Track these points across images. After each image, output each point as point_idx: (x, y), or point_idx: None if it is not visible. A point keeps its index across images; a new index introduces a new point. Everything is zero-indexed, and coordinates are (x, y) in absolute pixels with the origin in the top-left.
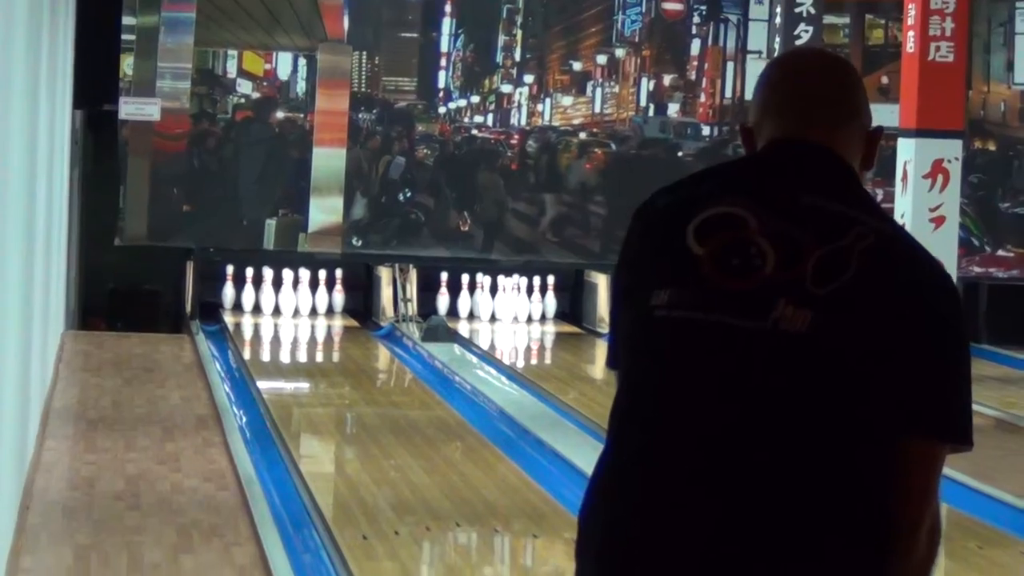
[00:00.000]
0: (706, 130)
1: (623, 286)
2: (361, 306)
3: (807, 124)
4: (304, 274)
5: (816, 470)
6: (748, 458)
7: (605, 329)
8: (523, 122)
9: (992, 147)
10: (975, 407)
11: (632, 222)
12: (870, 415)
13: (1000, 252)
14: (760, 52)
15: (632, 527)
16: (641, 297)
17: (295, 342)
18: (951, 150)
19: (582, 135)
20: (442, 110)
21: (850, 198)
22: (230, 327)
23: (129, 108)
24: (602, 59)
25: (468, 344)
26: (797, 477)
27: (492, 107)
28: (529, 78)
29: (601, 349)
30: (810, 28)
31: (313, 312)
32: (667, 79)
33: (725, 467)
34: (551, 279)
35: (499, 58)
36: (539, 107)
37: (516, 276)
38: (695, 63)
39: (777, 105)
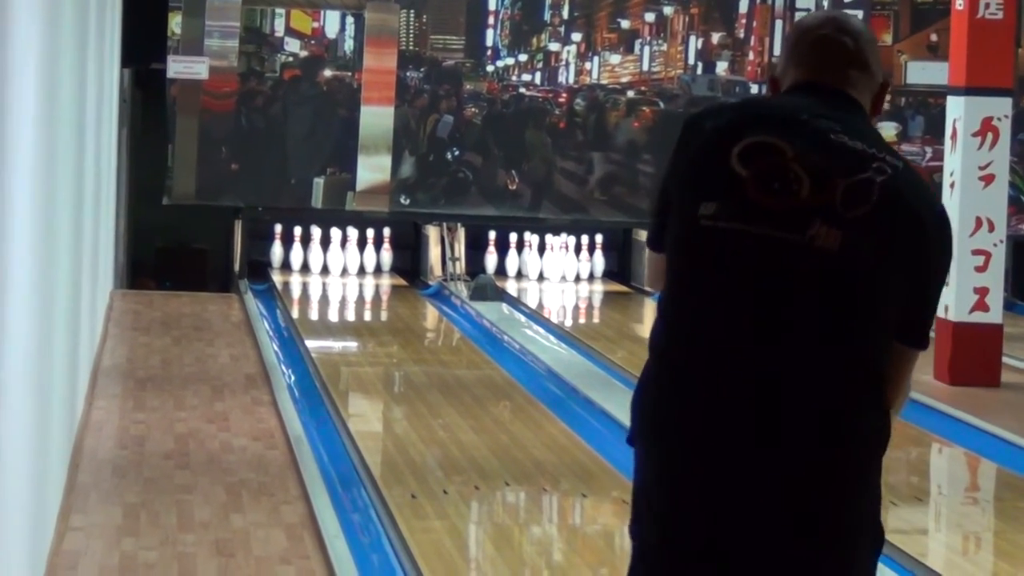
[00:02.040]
0: (754, 88)
1: (672, 193)
2: (409, 265)
3: (824, 70)
4: (352, 233)
5: (840, 357)
6: (788, 345)
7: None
8: (571, 80)
9: None
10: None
11: (682, 134)
12: (881, 318)
13: None
14: (809, 9)
15: (693, 418)
16: (689, 207)
17: (343, 301)
18: (1000, 108)
19: (630, 93)
20: (490, 68)
21: (868, 137)
22: (278, 286)
23: (177, 67)
24: (650, 17)
25: (516, 303)
26: (826, 361)
27: (540, 65)
28: (577, 36)
29: (650, 308)
30: None
31: (361, 271)
32: (715, 37)
33: (770, 353)
34: (599, 238)
35: (547, 16)
36: (587, 65)
37: (564, 235)
38: (744, 21)
39: (800, 55)
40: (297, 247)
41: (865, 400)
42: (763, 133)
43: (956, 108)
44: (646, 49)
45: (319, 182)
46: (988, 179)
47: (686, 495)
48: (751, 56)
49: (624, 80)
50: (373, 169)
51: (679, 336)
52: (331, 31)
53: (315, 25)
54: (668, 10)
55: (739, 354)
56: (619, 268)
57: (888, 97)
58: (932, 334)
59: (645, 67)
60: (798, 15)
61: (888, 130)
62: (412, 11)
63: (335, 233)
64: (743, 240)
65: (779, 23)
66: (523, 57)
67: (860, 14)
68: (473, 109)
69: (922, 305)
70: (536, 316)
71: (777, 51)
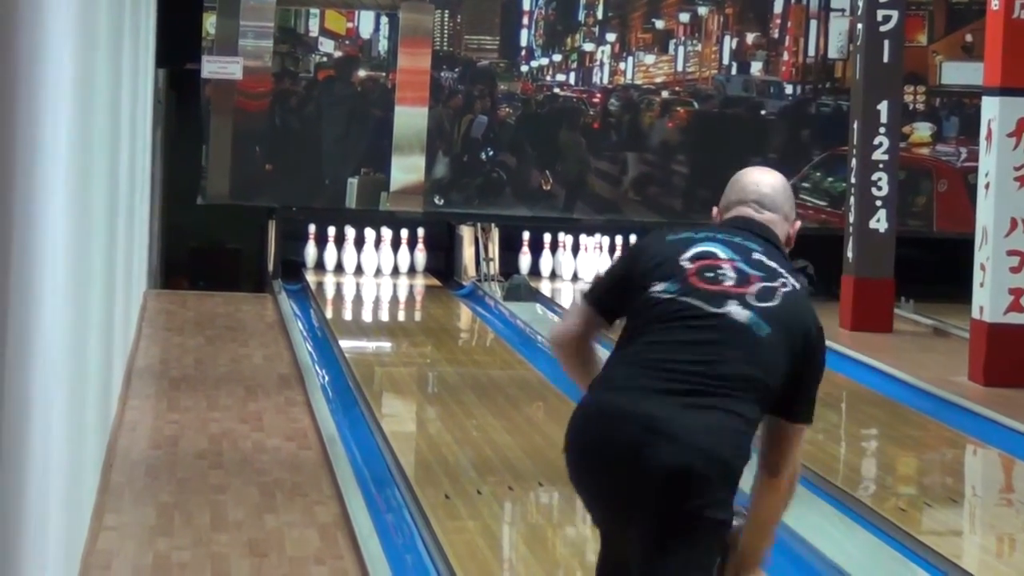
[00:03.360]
0: (789, 88)
1: (631, 275)
2: (443, 265)
3: (757, 211)
4: (386, 233)
5: (735, 402)
6: (698, 381)
7: None
8: (605, 80)
9: None
10: None
11: (646, 240)
12: (774, 388)
13: None
14: (843, 10)
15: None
16: (646, 286)
17: (377, 301)
18: None
19: (664, 93)
20: (524, 68)
21: (780, 260)
22: (312, 286)
23: (212, 67)
24: (685, 17)
25: (550, 303)
26: (722, 401)
27: (574, 65)
28: (611, 36)
29: None
30: None
31: (395, 271)
32: (750, 37)
33: (682, 387)
34: (633, 238)
35: (581, 16)
36: (621, 65)
37: (598, 235)
38: (778, 21)
39: (740, 199)
40: (331, 247)
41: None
42: (709, 245)
43: (991, 108)
44: (680, 49)
45: (353, 182)
46: (1023, 180)
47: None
48: (785, 56)
49: (658, 80)
50: (407, 169)
51: (618, 370)
52: (365, 31)
53: (349, 25)
54: (703, 10)
55: (672, 372)
56: None
57: (923, 98)
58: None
59: (679, 67)
60: (832, 15)
61: (923, 131)
62: (446, 11)
63: (369, 233)
64: (678, 306)
65: (814, 23)
66: (557, 57)
67: (895, 15)
68: (507, 109)
69: (805, 390)
70: None
71: (811, 52)
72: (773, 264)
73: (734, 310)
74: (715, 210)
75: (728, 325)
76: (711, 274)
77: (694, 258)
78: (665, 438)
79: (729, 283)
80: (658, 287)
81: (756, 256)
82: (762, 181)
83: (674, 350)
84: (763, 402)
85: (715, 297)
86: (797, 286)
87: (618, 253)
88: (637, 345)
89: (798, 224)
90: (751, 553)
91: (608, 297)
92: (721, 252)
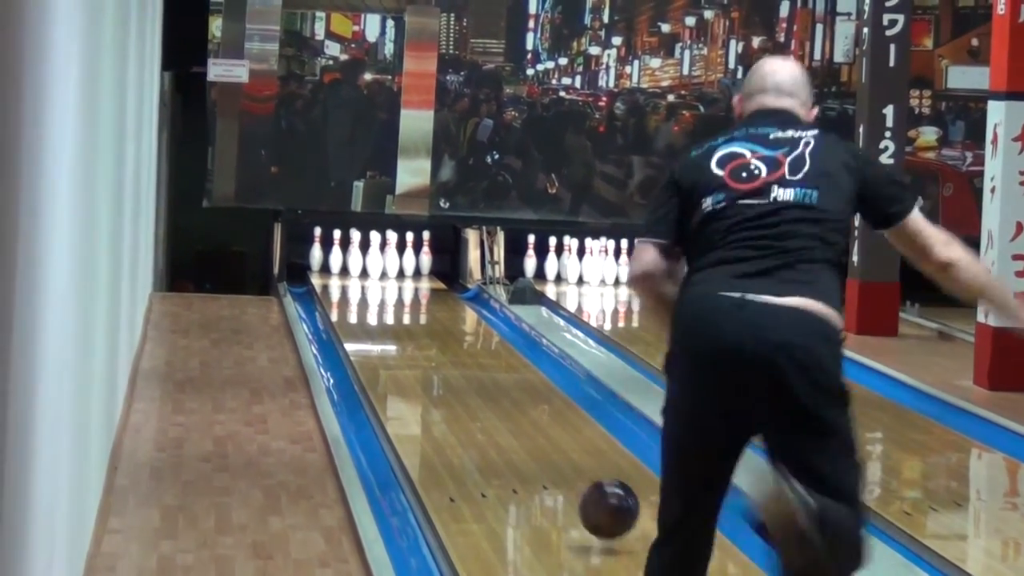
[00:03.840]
0: None
1: (679, 198)
2: (448, 268)
3: (775, 99)
4: (391, 236)
5: (807, 260)
6: (778, 268)
7: None
8: (611, 84)
9: None
10: None
11: (677, 166)
12: (842, 233)
13: None
14: (849, 14)
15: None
16: (696, 205)
17: (382, 304)
18: None
19: (670, 97)
20: (530, 72)
21: (795, 125)
22: (317, 289)
23: (217, 70)
24: (691, 21)
25: (555, 307)
26: (808, 276)
27: (580, 69)
28: (617, 40)
29: None
30: None
31: (400, 274)
32: (756, 41)
33: (760, 266)
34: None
35: (587, 20)
36: (627, 69)
37: (603, 238)
38: (784, 25)
39: (759, 88)
40: (336, 250)
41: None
42: (729, 147)
43: (997, 113)
44: (686, 53)
45: (359, 185)
46: None
47: None
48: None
49: (664, 84)
50: (413, 172)
51: (703, 271)
52: (371, 35)
53: (355, 28)
54: (709, 14)
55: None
56: None
57: (929, 102)
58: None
59: (685, 71)
60: (838, 19)
61: (929, 135)
62: (452, 15)
63: (374, 236)
64: (731, 211)
65: (820, 27)
66: (563, 61)
67: (901, 19)
68: (513, 113)
69: (884, 192)
70: (575, 320)
71: (817, 55)
72: (789, 132)
73: (779, 194)
74: (735, 99)
75: (781, 210)
76: (744, 173)
77: (722, 163)
78: (771, 327)
79: (763, 174)
80: (707, 202)
81: (773, 136)
82: (779, 70)
83: (746, 249)
84: (840, 249)
85: (758, 192)
86: (817, 133)
87: (623, 258)
88: (710, 258)
89: (815, 111)
90: (1009, 306)
91: (666, 226)
92: (742, 149)
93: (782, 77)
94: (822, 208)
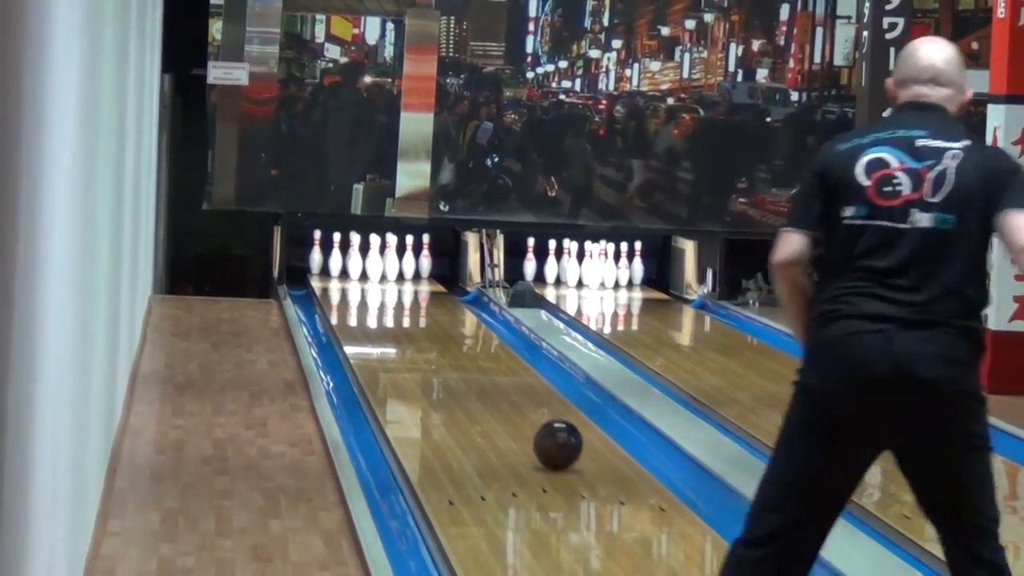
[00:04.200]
0: (795, 96)
1: (824, 196)
2: (448, 271)
3: (932, 90)
4: (391, 239)
5: (956, 314)
6: (917, 305)
7: (692, 296)
8: (611, 87)
9: None
10: None
11: (818, 155)
12: (972, 257)
13: None
14: (849, 17)
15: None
16: (838, 209)
17: (382, 307)
18: None
19: (670, 100)
20: (530, 75)
21: (946, 132)
22: (317, 292)
23: (217, 72)
24: (690, 24)
25: (555, 310)
26: (944, 318)
27: (580, 72)
28: (617, 43)
29: (688, 315)
30: None
31: (400, 277)
32: (756, 44)
33: (908, 314)
34: (638, 245)
35: (587, 23)
36: (627, 72)
37: (603, 242)
38: (784, 28)
39: (914, 77)
40: (336, 253)
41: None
42: (876, 151)
43: (997, 116)
44: (686, 56)
45: (359, 188)
46: None
47: None
48: (791, 63)
49: (664, 87)
50: (413, 175)
51: (841, 289)
52: (371, 37)
53: (355, 31)
54: (708, 17)
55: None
56: (658, 275)
57: None
58: None
59: (685, 74)
60: (838, 23)
61: None
62: (452, 18)
63: (374, 239)
64: (870, 231)
65: (820, 30)
66: (563, 64)
67: (901, 22)
68: (513, 116)
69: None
70: (575, 323)
71: (817, 59)
72: (938, 142)
73: (918, 217)
74: (889, 81)
75: (919, 235)
76: (888, 188)
77: (869, 170)
78: (919, 363)
79: (906, 191)
80: (848, 212)
81: (920, 143)
82: (935, 56)
83: (883, 276)
84: (979, 279)
85: (898, 211)
86: (967, 145)
87: (623, 261)
88: (849, 276)
89: (970, 92)
90: None
91: (815, 219)
92: (889, 156)
93: (937, 65)
94: (958, 234)
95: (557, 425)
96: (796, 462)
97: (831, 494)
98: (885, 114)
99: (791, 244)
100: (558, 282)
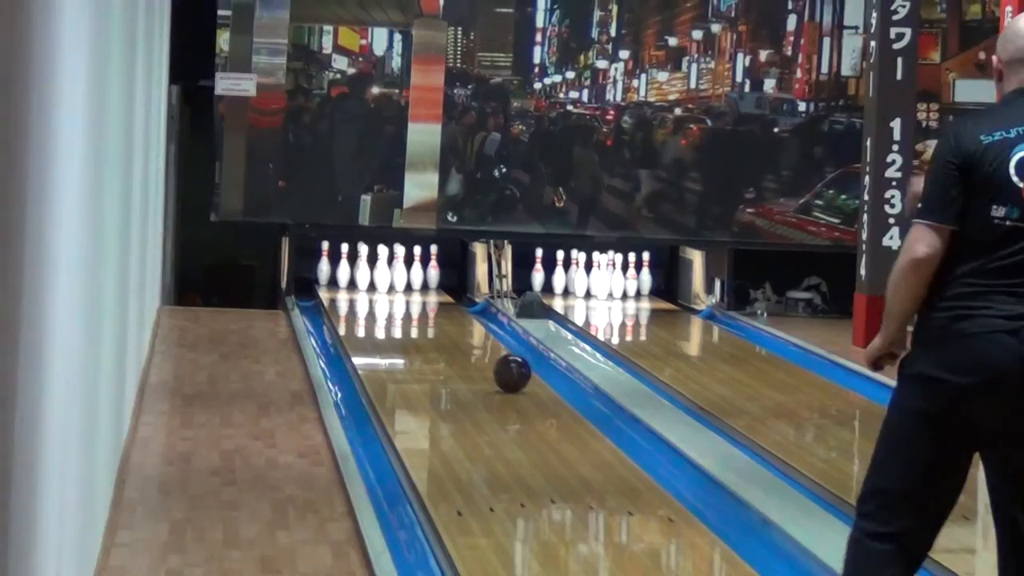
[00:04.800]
0: (802, 106)
1: (967, 187)
2: (456, 282)
3: None
4: (399, 250)
5: None
6: None
7: (700, 306)
8: (618, 98)
9: None
10: None
11: (952, 140)
12: None
13: None
14: (856, 27)
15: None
16: (986, 205)
17: (390, 318)
18: None
19: (677, 111)
20: (537, 86)
21: None
22: (325, 303)
23: (225, 83)
24: (698, 34)
25: (563, 320)
26: None
27: (587, 83)
28: (625, 53)
29: (696, 326)
30: (907, 3)
31: (408, 288)
32: (763, 55)
33: None
34: (646, 255)
35: (595, 33)
36: (634, 83)
37: (611, 252)
38: (791, 38)
39: (1021, 57)
40: (344, 264)
41: None
42: None
43: None
44: (693, 67)
45: (366, 199)
46: None
47: None
48: (799, 74)
49: (671, 97)
50: (420, 186)
51: (976, 288)
52: (379, 48)
53: (363, 42)
54: (716, 28)
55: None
56: (666, 286)
57: (936, 115)
58: None
59: (692, 84)
60: (845, 33)
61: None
62: (460, 28)
63: (382, 250)
64: (1018, 233)
65: (827, 40)
66: (570, 74)
67: (908, 32)
68: (520, 126)
69: None
70: (583, 334)
71: (824, 69)
72: None
73: None
74: (995, 59)
75: None
76: None
77: (1020, 169)
78: None
79: None
80: (1000, 212)
81: None
82: None
83: (1020, 275)
84: None
85: None
86: None
87: (631, 272)
88: (988, 272)
89: None
90: None
91: (954, 212)
92: None
93: None
94: None
95: (512, 358)
96: (920, 456)
97: (952, 488)
98: (1007, 96)
99: (930, 240)
100: (566, 293)
